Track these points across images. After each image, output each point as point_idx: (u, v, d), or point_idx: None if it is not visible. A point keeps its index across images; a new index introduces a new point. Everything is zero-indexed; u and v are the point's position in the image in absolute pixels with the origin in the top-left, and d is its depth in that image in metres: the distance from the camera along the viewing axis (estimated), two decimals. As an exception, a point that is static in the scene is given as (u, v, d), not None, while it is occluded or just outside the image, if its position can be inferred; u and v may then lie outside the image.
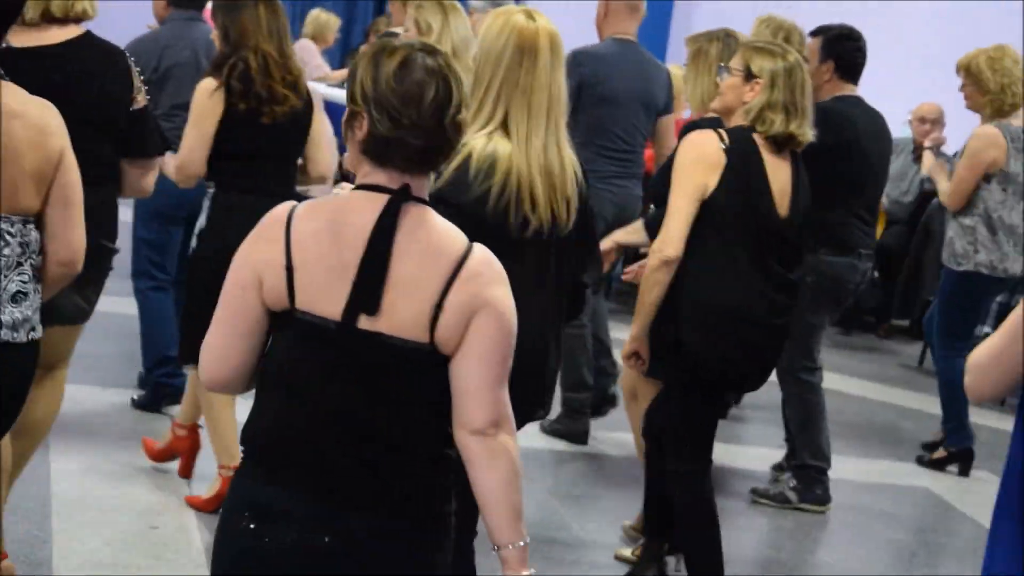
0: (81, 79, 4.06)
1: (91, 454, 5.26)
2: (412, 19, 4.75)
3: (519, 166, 3.32)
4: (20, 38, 3.94)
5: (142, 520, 4.75)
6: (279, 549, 2.42)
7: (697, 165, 4.18)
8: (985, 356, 2.68)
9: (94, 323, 4.43)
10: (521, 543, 2.48)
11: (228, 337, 2.48)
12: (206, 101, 4.72)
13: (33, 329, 3.29)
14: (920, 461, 6.73)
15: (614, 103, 6.01)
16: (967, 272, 6.27)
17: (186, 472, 5.10)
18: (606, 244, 4.72)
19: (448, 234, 2.47)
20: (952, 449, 6.58)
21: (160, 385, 5.86)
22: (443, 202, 3.03)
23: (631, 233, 4.96)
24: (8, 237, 3.21)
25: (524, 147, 3.33)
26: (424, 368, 2.43)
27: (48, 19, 4.10)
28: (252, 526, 2.44)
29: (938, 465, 6.63)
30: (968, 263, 6.25)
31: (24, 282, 3.25)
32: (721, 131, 4.24)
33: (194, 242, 4.89)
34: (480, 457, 2.44)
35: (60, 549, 4.40)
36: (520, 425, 2.61)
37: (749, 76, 4.24)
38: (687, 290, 4.19)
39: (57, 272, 3.34)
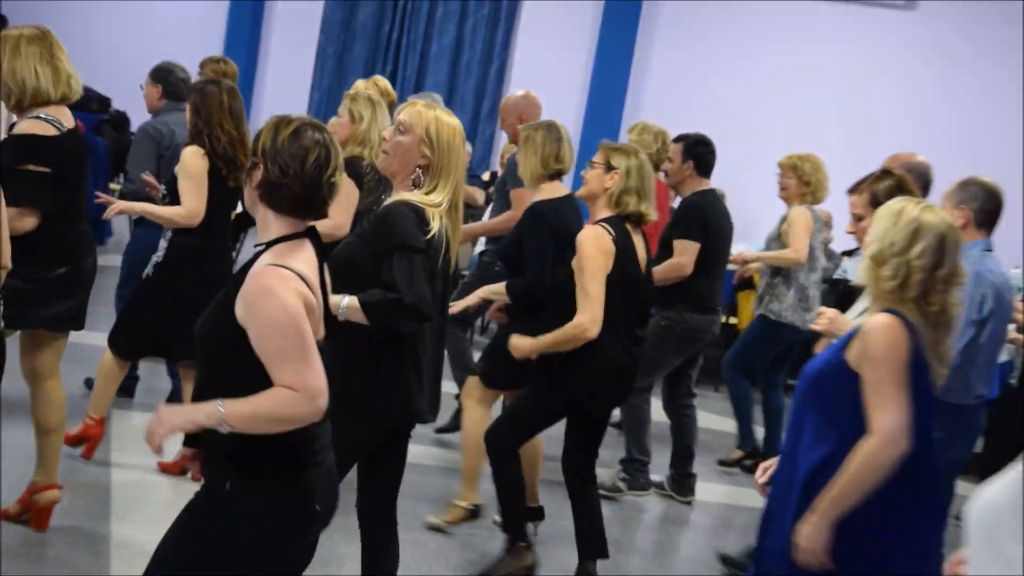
0: (77, 161, 4.95)
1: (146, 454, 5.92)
2: (347, 108, 5.62)
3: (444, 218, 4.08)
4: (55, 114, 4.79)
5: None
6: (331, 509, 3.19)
7: (601, 255, 5.10)
8: None
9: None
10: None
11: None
12: (201, 162, 5.64)
13: None
14: (721, 463, 8.23)
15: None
16: (760, 315, 7.78)
17: (89, 455, 5.93)
18: (472, 299, 5.71)
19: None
20: (747, 450, 8.21)
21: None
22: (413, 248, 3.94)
23: (497, 293, 5.75)
24: None
25: (449, 205, 4.10)
26: None
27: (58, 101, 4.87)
28: (319, 507, 3.09)
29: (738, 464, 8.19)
30: (761, 308, 7.74)
31: None
32: (606, 226, 5.15)
33: (149, 269, 5.80)
34: None
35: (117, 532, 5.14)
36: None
37: (609, 168, 5.19)
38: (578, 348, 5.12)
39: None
